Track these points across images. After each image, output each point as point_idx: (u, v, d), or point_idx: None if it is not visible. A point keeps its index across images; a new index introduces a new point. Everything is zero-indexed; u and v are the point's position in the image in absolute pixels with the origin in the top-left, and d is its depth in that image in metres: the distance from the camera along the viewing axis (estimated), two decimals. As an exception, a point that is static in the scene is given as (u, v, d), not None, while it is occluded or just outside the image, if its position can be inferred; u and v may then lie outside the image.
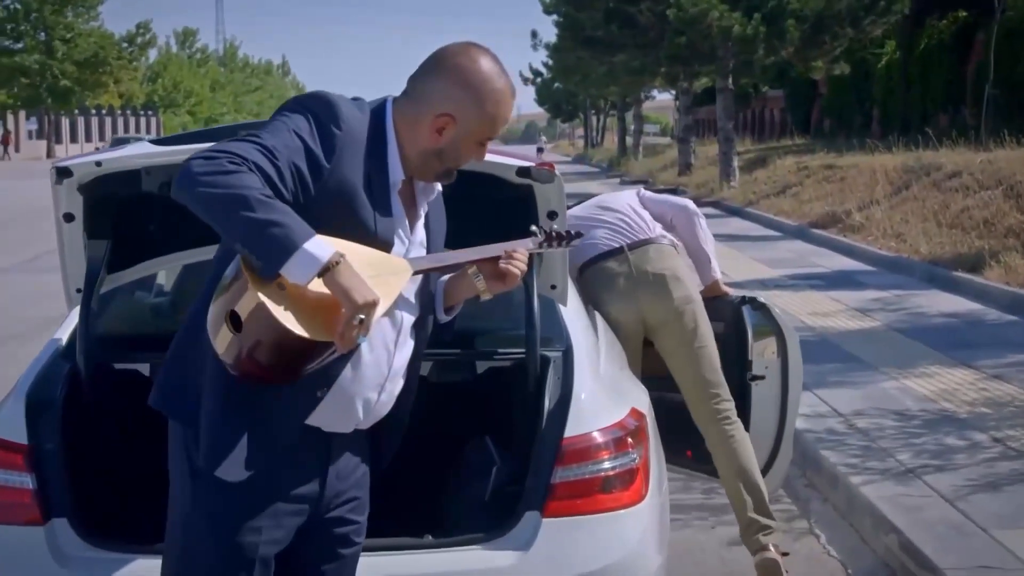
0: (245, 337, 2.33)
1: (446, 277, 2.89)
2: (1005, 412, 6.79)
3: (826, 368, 7.92)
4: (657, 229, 4.78)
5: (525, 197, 3.44)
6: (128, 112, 73.33)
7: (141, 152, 3.32)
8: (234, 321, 2.34)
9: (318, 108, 2.52)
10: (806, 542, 5.24)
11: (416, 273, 2.65)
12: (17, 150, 61.29)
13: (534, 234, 2.95)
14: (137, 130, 75.24)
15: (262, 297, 2.29)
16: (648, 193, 5.11)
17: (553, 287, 3.78)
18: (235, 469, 2.53)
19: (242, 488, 2.53)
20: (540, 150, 64.94)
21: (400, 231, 2.64)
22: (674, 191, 28.34)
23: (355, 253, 2.44)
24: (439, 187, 2.76)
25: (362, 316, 2.33)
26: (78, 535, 3.11)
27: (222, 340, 2.37)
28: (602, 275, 4.63)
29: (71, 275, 3.57)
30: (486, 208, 3.56)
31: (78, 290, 3.57)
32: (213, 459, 2.53)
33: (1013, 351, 8.61)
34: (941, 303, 10.99)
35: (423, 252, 2.74)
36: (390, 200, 2.61)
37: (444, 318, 2.87)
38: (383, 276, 2.50)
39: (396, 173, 2.62)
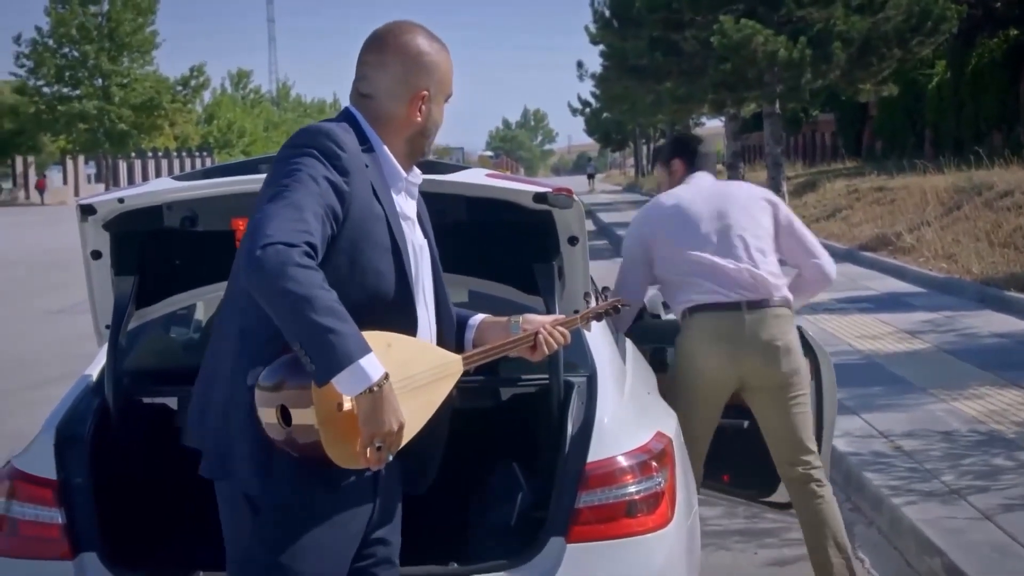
0: (292, 432, 2.45)
1: (479, 319, 2.98)
2: (1055, 432, 6.66)
3: (873, 391, 7.84)
4: (780, 281, 4.45)
5: (544, 223, 3.45)
6: (183, 154, 74.36)
7: (162, 188, 3.37)
8: (284, 416, 2.45)
9: (316, 142, 2.58)
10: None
11: (465, 367, 2.75)
12: (76, 194, 62.34)
13: (576, 311, 3.17)
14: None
15: (317, 424, 2.41)
16: (791, 219, 4.64)
17: (576, 312, 3.77)
18: (298, 501, 2.57)
19: (304, 521, 2.57)
20: (591, 176, 65.07)
21: (408, 233, 2.73)
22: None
23: (416, 354, 2.61)
24: (420, 178, 2.84)
25: (379, 444, 2.43)
26: (107, 569, 3.14)
27: (269, 420, 2.48)
28: (711, 328, 4.35)
29: (100, 311, 3.64)
30: (505, 235, 3.59)
31: (107, 326, 3.63)
32: (276, 499, 2.58)
33: (1066, 370, 8.46)
34: (993, 323, 10.82)
35: (426, 248, 2.81)
36: (395, 203, 2.69)
37: (468, 352, 2.89)
38: (429, 386, 2.62)
39: (395, 175, 2.72)
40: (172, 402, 3.88)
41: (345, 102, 2.79)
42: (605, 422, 3.32)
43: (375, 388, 2.38)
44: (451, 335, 2.88)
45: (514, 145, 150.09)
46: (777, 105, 24.07)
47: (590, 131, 72.18)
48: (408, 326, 2.68)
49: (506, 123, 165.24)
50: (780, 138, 25.08)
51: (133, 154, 64.93)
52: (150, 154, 69.11)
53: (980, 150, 20.21)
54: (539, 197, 3.33)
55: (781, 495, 4.68)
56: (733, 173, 31.27)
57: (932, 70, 31.36)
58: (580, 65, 35.70)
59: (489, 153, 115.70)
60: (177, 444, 2.94)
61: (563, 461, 3.27)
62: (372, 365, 2.38)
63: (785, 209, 4.64)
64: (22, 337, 12.89)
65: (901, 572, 5.06)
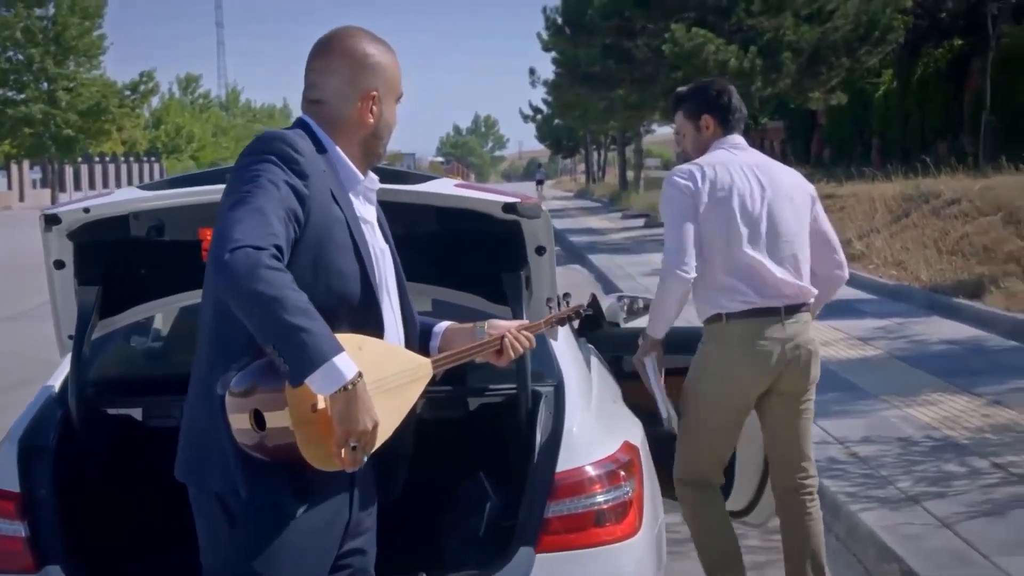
0: (266, 437, 2.44)
1: (444, 326, 2.96)
2: (1007, 438, 6.77)
3: (827, 397, 7.89)
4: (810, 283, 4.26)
5: (512, 233, 3.46)
6: (131, 159, 73.63)
7: (129, 197, 3.35)
8: (258, 420, 2.44)
9: (274, 147, 2.59)
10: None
11: (436, 371, 2.76)
12: (22, 199, 61.56)
13: (549, 310, 3.13)
14: (140, 176, 75.60)
15: (292, 426, 2.40)
16: (822, 214, 4.38)
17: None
18: (275, 510, 2.56)
19: (281, 528, 2.56)
20: (540, 182, 65.00)
21: (369, 235, 2.73)
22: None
23: (387, 356, 2.61)
24: (377, 183, 2.83)
25: (354, 444, 2.42)
26: None
27: (240, 427, 2.47)
28: (752, 335, 4.13)
29: (63, 321, 3.60)
30: (474, 244, 3.59)
31: (70, 336, 3.59)
32: (253, 507, 2.56)
33: (1015, 377, 8.59)
34: (942, 330, 10.98)
35: (388, 253, 2.81)
36: (353, 206, 2.69)
37: (435, 356, 2.89)
38: (401, 388, 2.62)
39: (352, 178, 2.73)
40: (136, 413, 3.84)
41: (295, 108, 2.83)
42: (574, 432, 3.33)
43: (349, 387, 2.37)
44: (415, 341, 2.88)
45: (465, 151, 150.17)
46: (728, 113, 24.25)
47: (541, 137, 72.38)
48: (375, 327, 2.68)
49: (457, 129, 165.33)
50: (731, 146, 25.26)
51: (80, 159, 64.15)
52: (97, 159, 68.40)
53: (927, 159, 20.49)
54: (508, 207, 3.34)
55: (734, 502, 4.69)
56: (684, 180, 31.56)
57: (879, 79, 31.78)
58: (532, 72, 36.02)
59: (440, 159, 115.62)
60: (142, 455, 2.91)
61: (532, 471, 3.28)
62: (346, 364, 2.38)
63: (819, 203, 4.39)
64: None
65: (859, 578, 5.11)
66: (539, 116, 64.70)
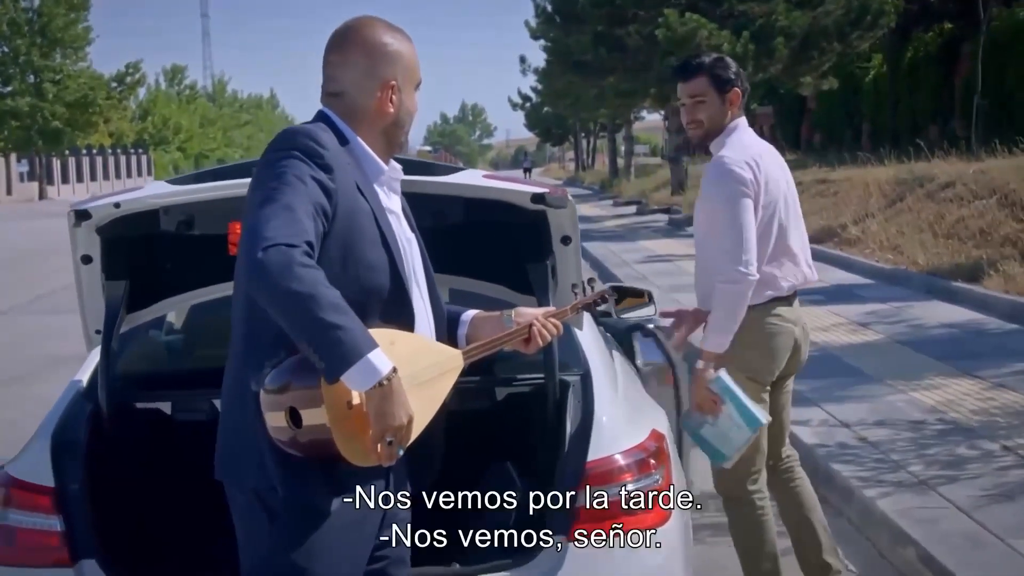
0: (302, 434, 2.46)
1: (471, 315, 2.96)
2: (1014, 421, 6.80)
3: (831, 382, 7.94)
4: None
5: (539, 223, 3.47)
6: (118, 151, 73.33)
7: (159, 192, 3.34)
8: (294, 417, 2.45)
9: (297, 142, 2.60)
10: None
11: (466, 362, 2.76)
12: (9, 192, 61.25)
13: (574, 295, 3.15)
14: (128, 169, 75.30)
15: (329, 422, 2.42)
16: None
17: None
18: (313, 504, 2.58)
19: (320, 523, 2.58)
20: (527, 170, 64.79)
21: (396, 226, 2.75)
22: (668, 210, 28.44)
23: (419, 350, 2.62)
24: (401, 173, 2.83)
25: (390, 438, 2.44)
26: (107, 575, 3.11)
27: (277, 424, 2.48)
28: (789, 318, 4.17)
29: (90, 316, 3.61)
30: (500, 235, 3.60)
31: (97, 331, 3.60)
32: (291, 503, 2.58)
33: (1016, 359, 8.63)
34: (941, 314, 11.02)
35: (414, 242, 2.83)
36: (379, 197, 2.71)
37: (465, 347, 2.89)
38: (434, 381, 2.63)
39: (376, 169, 2.74)
40: (166, 407, 3.85)
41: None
42: (603, 421, 3.35)
43: (384, 382, 2.39)
44: (443, 331, 2.89)
45: (452, 139, 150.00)
46: (720, 99, 24.26)
47: (530, 125, 72.32)
48: (406, 318, 2.70)
49: (444, 117, 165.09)
50: (723, 132, 25.28)
51: (67, 152, 63.86)
52: (84, 152, 68.09)
53: (920, 142, 20.51)
54: (536, 198, 3.35)
55: None
56: (676, 167, 31.53)
57: (869, 64, 31.80)
58: (523, 60, 36.00)
59: (428, 147, 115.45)
60: (172, 449, 2.92)
61: (563, 460, 3.29)
62: (380, 360, 2.39)
63: None
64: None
65: (873, 563, 5.13)
66: (528, 104, 64.67)
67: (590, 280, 3.31)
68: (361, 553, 2.68)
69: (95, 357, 3.71)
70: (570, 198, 3.44)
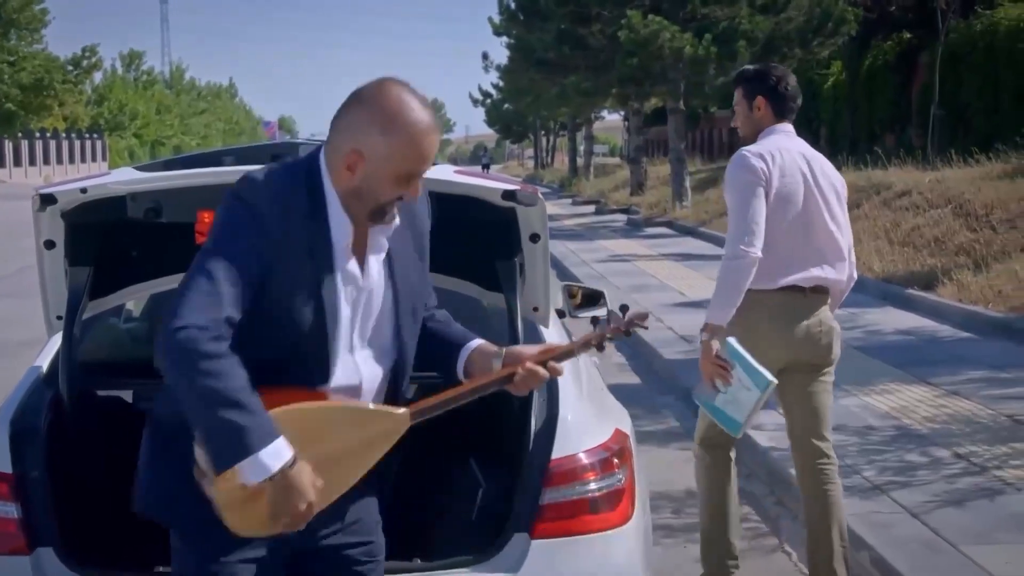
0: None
1: (472, 347, 2.84)
2: (966, 428, 6.89)
3: (788, 386, 7.99)
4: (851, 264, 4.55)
5: (508, 220, 3.47)
6: (73, 136, 72.51)
7: (126, 178, 3.31)
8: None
9: (252, 195, 2.53)
10: (777, 560, 5.29)
11: (416, 421, 2.66)
12: (-39, 174, 60.48)
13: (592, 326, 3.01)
14: (83, 153, 74.48)
15: (222, 504, 2.47)
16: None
17: (535, 309, 3.81)
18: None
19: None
20: (486, 166, 64.45)
21: (350, 285, 2.63)
22: (627, 211, 28.57)
23: (342, 423, 2.56)
24: (396, 221, 2.66)
25: (286, 520, 2.47)
26: (64, 564, 3.08)
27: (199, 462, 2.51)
28: (782, 313, 4.34)
29: (52, 302, 3.56)
30: (468, 231, 3.59)
31: (59, 317, 3.55)
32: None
33: (968, 367, 8.75)
34: (896, 320, 11.14)
35: (383, 293, 2.70)
36: (333, 258, 2.59)
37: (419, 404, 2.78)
38: (360, 450, 2.60)
39: (340, 227, 2.60)
40: (127, 395, 3.81)
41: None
42: (568, 419, 3.34)
43: (277, 476, 2.41)
44: (437, 361, 2.85)
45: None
46: (681, 102, 24.37)
47: (490, 122, 72.22)
48: (323, 382, 2.63)
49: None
50: (683, 134, 25.44)
51: (20, 135, 63.05)
52: (38, 135, 67.26)
53: (878, 149, 20.72)
54: (507, 194, 3.35)
55: None
56: (636, 167, 31.68)
57: (828, 71, 32.07)
58: (485, 56, 35.94)
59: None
60: (133, 437, 2.89)
61: (527, 457, 3.29)
62: (275, 454, 2.40)
63: None
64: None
65: (828, 565, 5.17)
66: (488, 100, 64.62)
67: (622, 306, 3.00)
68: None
69: (55, 343, 3.67)
70: (540, 196, 3.43)
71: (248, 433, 2.37)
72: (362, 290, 2.66)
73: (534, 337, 3.75)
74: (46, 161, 69.20)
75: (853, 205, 17.30)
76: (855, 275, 4.58)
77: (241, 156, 3.37)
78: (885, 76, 28.13)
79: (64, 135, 70.87)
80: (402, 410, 2.64)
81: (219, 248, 2.48)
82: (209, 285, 2.43)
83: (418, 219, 2.79)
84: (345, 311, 2.63)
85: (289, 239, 2.51)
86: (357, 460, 2.60)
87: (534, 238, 3.53)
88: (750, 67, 4.68)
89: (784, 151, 4.33)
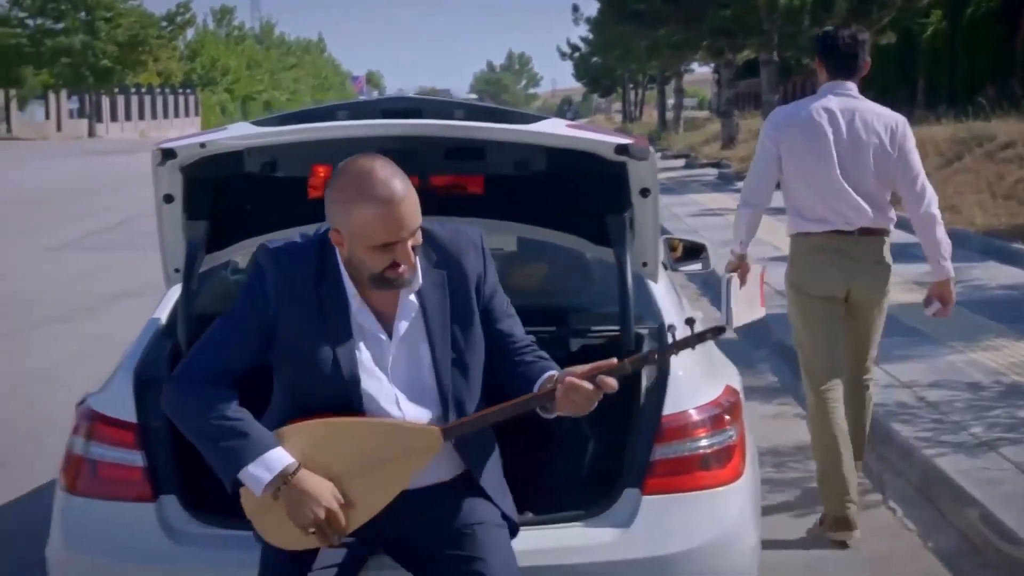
0: None
1: (543, 378, 2.90)
2: (1076, 385, 6.73)
3: (890, 341, 7.82)
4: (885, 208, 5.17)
5: (619, 174, 3.45)
6: (166, 91, 73.61)
7: (243, 133, 3.34)
8: None
9: (264, 264, 2.82)
10: (882, 515, 5.22)
11: (448, 439, 2.79)
12: (59, 129, 61.73)
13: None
14: (176, 108, 75.60)
15: (250, 514, 2.76)
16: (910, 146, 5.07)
17: (644, 264, 3.79)
18: None
19: None
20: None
21: (372, 342, 2.82)
22: (717, 164, 28.24)
23: (367, 437, 2.73)
24: (418, 282, 2.82)
25: (312, 529, 2.66)
26: (187, 512, 3.15)
27: None
28: (812, 250, 4.97)
29: (169, 255, 3.63)
30: (579, 186, 3.58)
31: (176, 270, 3.62)
32: None
33: (1078, 323, 8.53)
34: (1000, 275, 10.89)
35: (421, 348, 2.85)
36: (349, 322, 2.80)
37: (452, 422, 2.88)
38: (389, 465, 2.73)
39: (352, 292, 2.82)
40: None
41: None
42: (679, 375, 3.32)
43: (278, 483, 2.67)
44: (466, 407, 2.90)
45: (498, 88, 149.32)
46: (775, 53, 23.95)
47: (578, 76, 71.73)
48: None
49: (490, 66, 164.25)
50: (777, 86, 25.03)
51: (116, 90, 64.17)
52: (133, 90, 68.39)
53: (983, 100, 20.16)
54: (620, 148, 3.32)
55: None
56: (728, 120, 31.28)
57: (927, 20, 31.26)
58: (576, 9, 35.63)
59: (473, 96, 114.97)
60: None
61: (638, 413, 3.28)
62: (266, 465, 2.67)
63: (909, 140, 4.99)
64: (16, 276, 12.79)
65: (935, 523, 5.09)
66: (577, 54, 64.14)
67: (689, 319, 2.94)
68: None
69: (172, 295, 3.74)
70: (651, 150, 3.40)
71: (236, 451, 2.68)
72: (389, 347, 2.83)
73: (643, 291, 3.73)
74: (141, 116, 70.40)
75: (954, 158, 16.98)
76: (933, 211, 5.09)
77: (355, 111, 3.39)
78: (988, 25, 27.33)
79: (158, 90, 71.95)
80: (434, 428, 2.79)
81: (230, 310, 2.85)
82: (208, 341, 2.82)
83: (462, 273, 2.90)
84: (370, 365, 2.82)
85: (296, 301, 2.77)
86: (390, 474, 2.73)
87: (644, 192, 3.51)
88: (819, 32, 5.29)
89: (808, 110, 4.84)
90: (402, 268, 2.71)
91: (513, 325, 2.99)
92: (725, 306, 5.00)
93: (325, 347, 2.77)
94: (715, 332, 2.79)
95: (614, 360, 2.75)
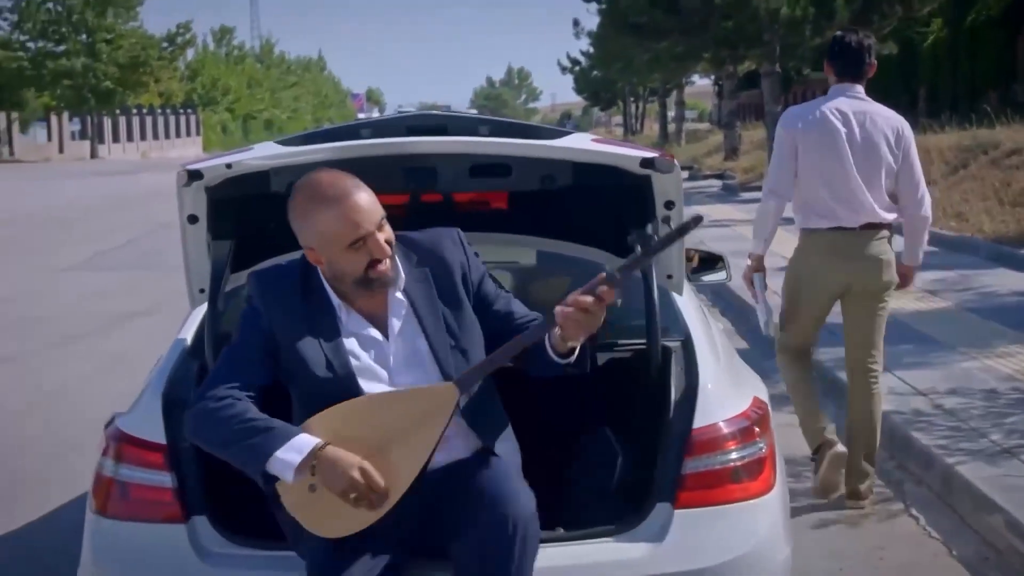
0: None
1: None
2: (1093, 391, 6.72)
3: (903, 349, 7.86)
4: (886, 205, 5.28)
5: (643, 188, 3.45)
6: (168, 111, 73.71)
7: (269, 153, 3.35)
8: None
9: (254, 289, 3.00)
10: (904, 523, 5.21)
11: (465, 391, 2.86)
12: (61, 151, 61.79)
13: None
14: (177, 128, 75.71)
15: (292, 509, 2.82)
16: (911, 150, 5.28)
17: (669, 276, 3.79)
18: None
19: None
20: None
21: (369, 345, 2.95)
22: (721, 176, 28.26)
23: (383, 409, 2.80)
24: (402, 276, 2.96)
25: (353, 495, 2.71)
26: (218, 533, 3.14)
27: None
28: (831, 248, 5.19)
29: (194, 275, 3.63)
30: (603, 199, 3.59)
31: (201, 290, 3.62)
32: None
33: (1090, 329, 8.52)
34: (1010, 282, 10.88)
35: (417, 342, 2.95)
36: (339, 329, 2.93)
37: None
38: (413, 429, 2.79)
39: (339, 305, 2.96)
40: None
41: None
42: (708, 388, 3.31)
43: (310, 462, 2.74)
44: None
45: (498, 103, 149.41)
46: (777, 64, 23.98)
47: (579, 89, 71.83)
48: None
49: (490, 81, 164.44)
50: (779, 97, 25.04)
51: (118, 111, 64.27)
52: (135, 111, 68.49)
53: (987, 107, 20.15)
54: (646, 162, 3.33)
55: None
56: (730, 132, 31.31)
57: (927, 28, 31.31)
58: (576, 23, 35.68)
59: (473, 111, 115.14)
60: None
61: (668, 427, 3.26)
62: (295, 448, 2.75)
63: (912, 145, 5.23)
64: (27, 296, 12.80)
65: (958, 530, 5.08)
66: (577, 68, 64.24)
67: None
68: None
69: (197, 316, 3.74)
70: (676, 163, 3.41)
71: (263, 443, 2.75)
72: (387, 346, 2.95)
73: (668, 304, 3.73)
74: (142, 137, 70.48)
75: (960, 165, 16.99)
76: (928, 214, 5.29)
77: (379, 129, 3.40)
78: (990, 31, 27.38)
79: (159, 111, 72.05)
80: (446, 384, 2.84)
81: (238, 336, 2.98)
82: (218, 369, 2.95)
83: (444, 265, 3.03)
84: (374, 367, 2.93)
85: (287, 311, 2.91)
86: (419, 438, 2.78)
87: (669, 205, 3.51)
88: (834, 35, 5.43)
89: (823, 107, 5.10)
90: (382, 265, 2.84)
91: (510, 303, 3.10)
92: (762, 304, 5.32)
93: (319, 354, 2.90)
94: (694, 222, 2.77)
95: (602, 274, 2.76)
